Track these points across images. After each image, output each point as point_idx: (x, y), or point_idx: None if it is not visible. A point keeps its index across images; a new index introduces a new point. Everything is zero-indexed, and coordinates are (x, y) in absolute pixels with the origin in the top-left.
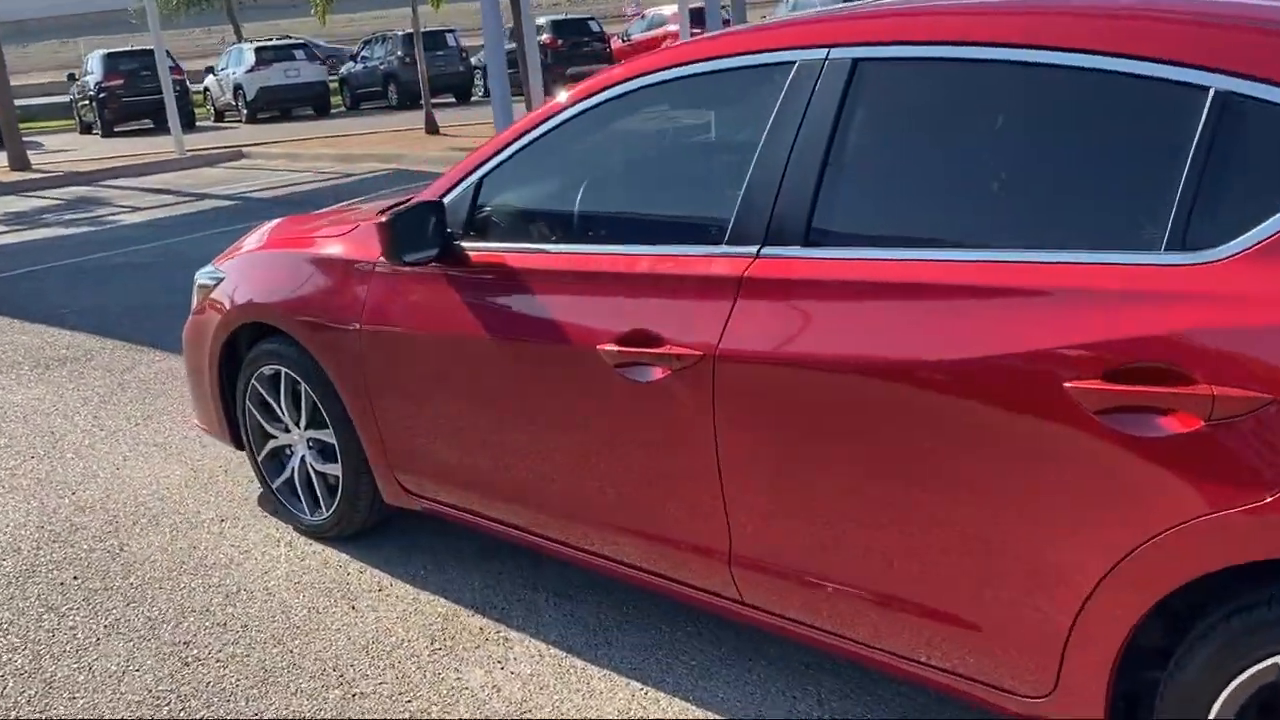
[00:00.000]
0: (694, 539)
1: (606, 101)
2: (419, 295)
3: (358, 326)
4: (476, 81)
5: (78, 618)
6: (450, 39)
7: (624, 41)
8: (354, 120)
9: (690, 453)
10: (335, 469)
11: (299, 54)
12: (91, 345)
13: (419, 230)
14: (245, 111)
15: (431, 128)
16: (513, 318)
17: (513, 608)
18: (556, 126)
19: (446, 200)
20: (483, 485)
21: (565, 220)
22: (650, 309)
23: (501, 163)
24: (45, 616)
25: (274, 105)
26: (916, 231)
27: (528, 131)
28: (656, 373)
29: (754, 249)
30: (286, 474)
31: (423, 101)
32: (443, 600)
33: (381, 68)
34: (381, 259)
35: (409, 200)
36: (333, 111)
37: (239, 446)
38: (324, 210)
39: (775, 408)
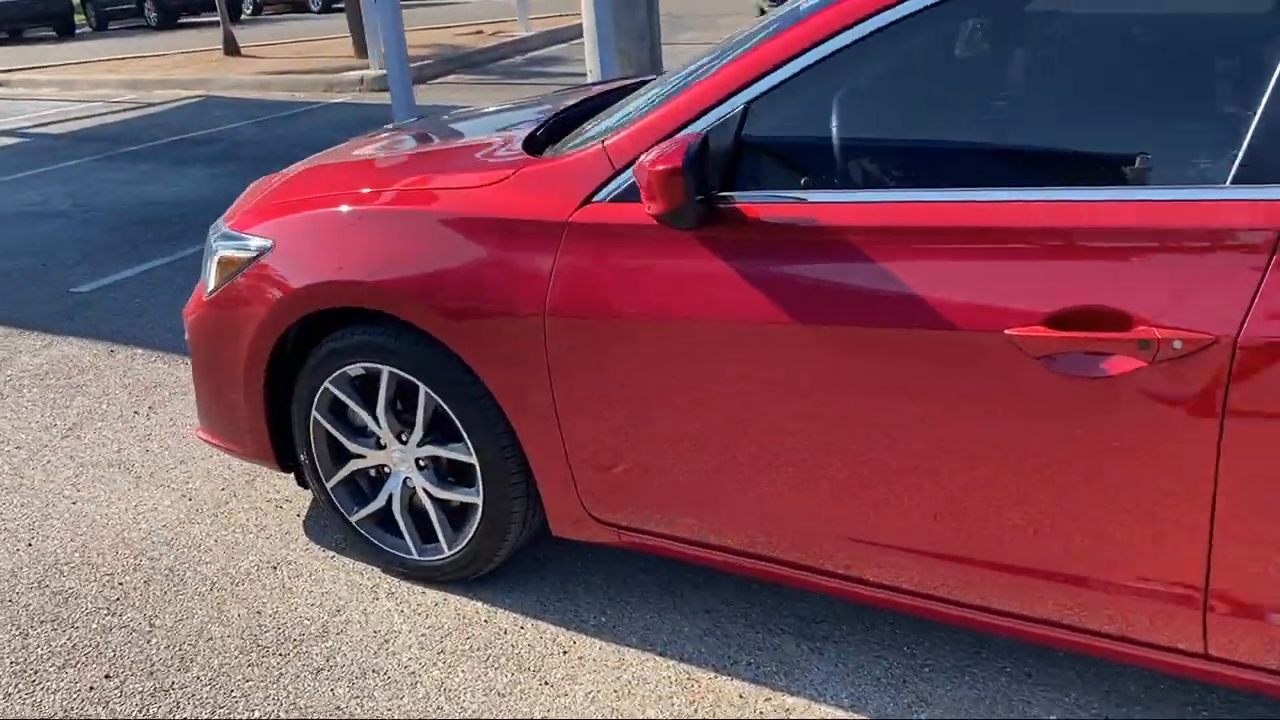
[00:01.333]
0: (1145, 577)
1: None
2: (659, 268)
3: (539, 313)
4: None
5: None
6: None
7: None
8: (108, 42)
9: (1168, 466)
10: (467, 495)
11: None
12: None
13: (697, 177)
14: None
15: (231, 48)
16: (844, 295)
17: (765, 661)
18: (895, 22)
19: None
20: (745, 512)
21: (920, 157)
22: (1106, 276)
23: (786, 80)
24: None
25: (2, 25)
26: None
27: (835, 34)
28: (1118, 364)
29: None
30: (379, 502)
31: (220, 18)
32: (665, 660)
33: None
34: (575, 220)
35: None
36: (77, 32)
37: (286, 469)
38: (346, 150)
39: None
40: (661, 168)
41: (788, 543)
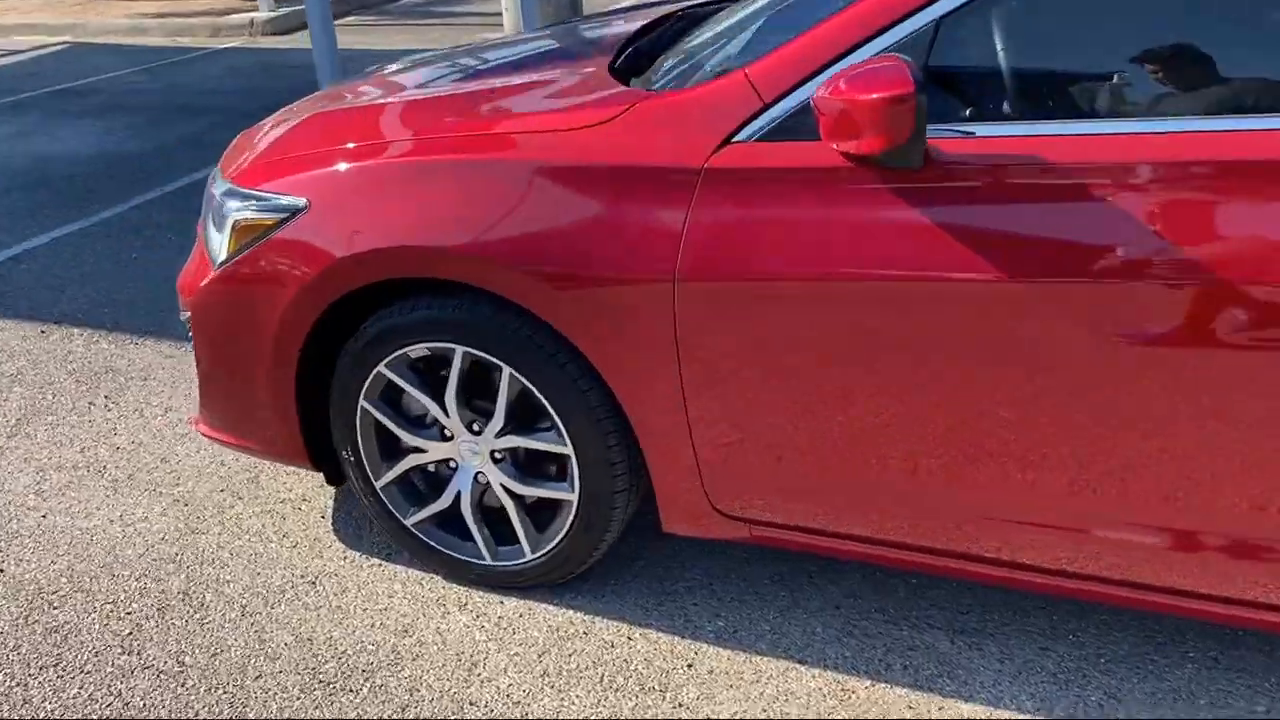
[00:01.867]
0: None
1: None
2: (829, 220)
3: (666, 277)
4: None
5: None
6: None
7: None
8: None
9: None
10: (558, 490)
11: None
12: None
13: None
14: None
15: None
16: (1087, 246)
17: (922, 662)
18: None
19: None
20: (915, 501)
21: (1184, 76)
22: None
23: None
24: None
25: None
26: None
27: None
28: None
29: None
30: (442, 502)
31: None
32: (807, 669)
33: None
34: (713, 165)
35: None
36: None
37: (319, 468)
38: (349, 93)
39: None
40: (882, 95)
41: (964, 531)
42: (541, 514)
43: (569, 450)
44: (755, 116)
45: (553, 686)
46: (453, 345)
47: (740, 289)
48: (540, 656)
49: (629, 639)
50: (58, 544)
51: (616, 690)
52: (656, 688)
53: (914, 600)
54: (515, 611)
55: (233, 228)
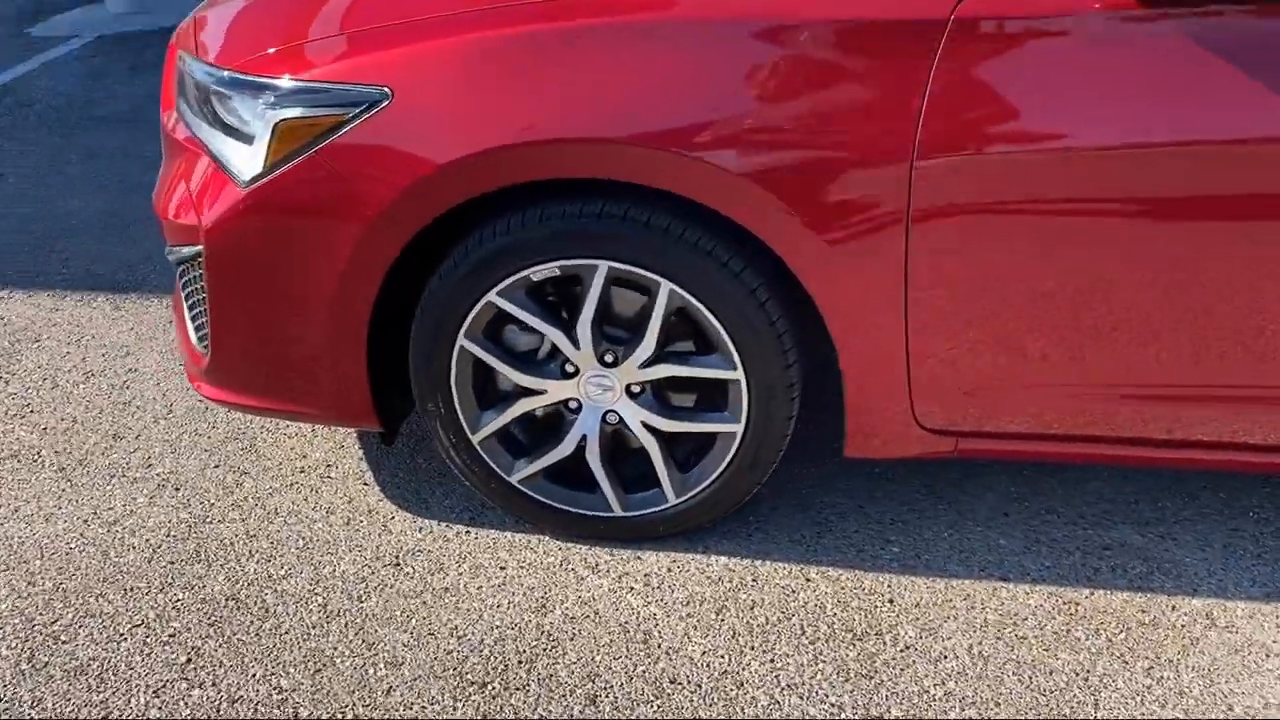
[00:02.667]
0: None
1: None
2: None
3: (903, 155)
4: None
5: None
6: None
7: None
8: None
9: None
10: (722, 423)
11: None
12: None
13: None
14: None
15: None
16: None
17: (1126, 560)
18: None
19: None
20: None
21: None
22: None
23: None
24: None
25: None
26: None
27: None
28: None
29: None
30: (562, 450)
31: None
32: (1017, 586)
33: None
34: (962, 15)
35: None
36: None
37: (386, 427)
38: None
39: None
40: None
41: (1163, 413)
42: (687, 453)
43: (739, 374)
44: None
45: (753, 648)
46: (595, 261)
47: (993, 163)
48: (718, 617)
49: (808, 580)
50: (25, 560)
51: (826, 640)
52: (869, 631)
53: (1076, 497)
54: (660, 567)
55: (277, 131)
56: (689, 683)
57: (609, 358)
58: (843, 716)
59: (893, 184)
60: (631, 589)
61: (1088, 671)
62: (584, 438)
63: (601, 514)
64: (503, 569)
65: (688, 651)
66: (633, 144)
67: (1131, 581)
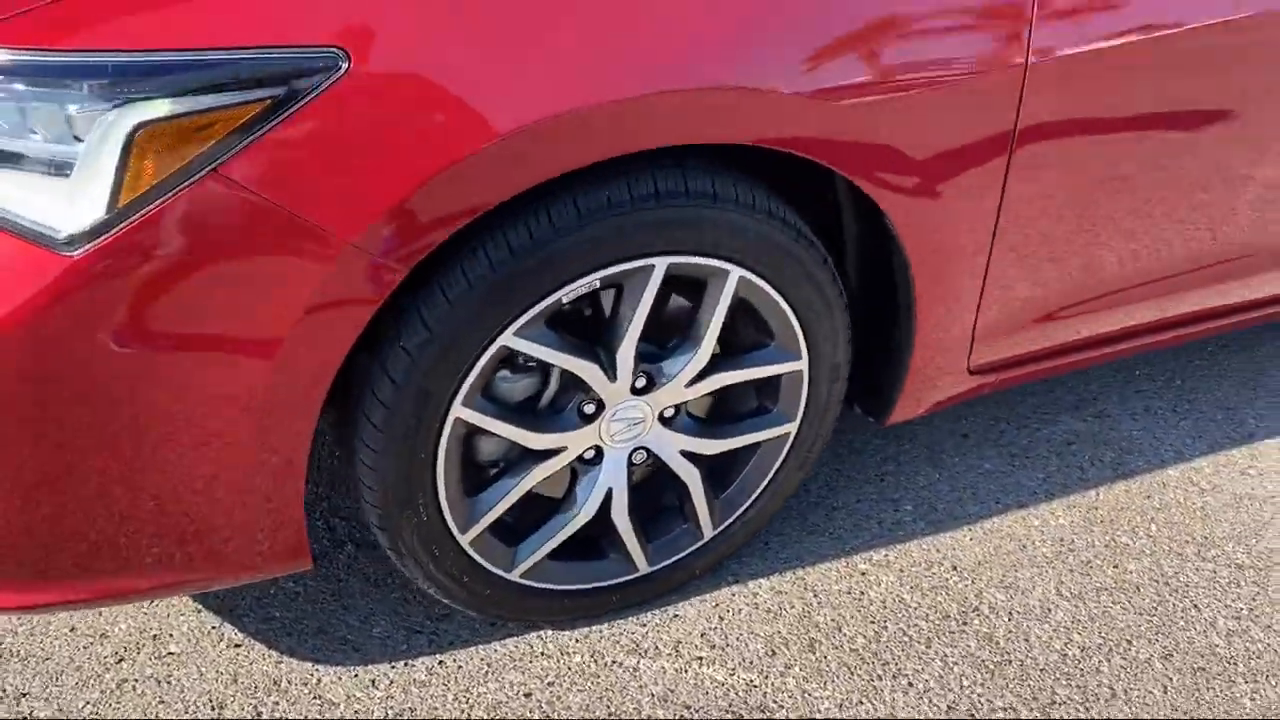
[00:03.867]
0: None
1: None
2: None
3: (1017, 64)
4: None
5: None
6: None
7: None
8: None
9: None
10: (770, 428)
11: None
12: None
13: None
14: None
15: None
16: None
17: (1125, 452)
18: None
19: None
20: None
21: None
22: None
23: None
24: None
25: None
26: None
27: None
28: None
29: None
30: (581, 517)
31: None
32: (1050, 521)
33: None
34: None
35: None
36: None
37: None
38: None
39: None
40: None
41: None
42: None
43: (803, 363)
44: None
45: (879, 676)
46: (649, 260)
47: (1114, 64)
48: (815, 652)
49: (864, 574)
50: None
51: (937, 637)
52: (963, 609)
53: (1006, 404)
54: (708, 620)
55: (126, 144)
56: None
57: (640, 382)
58: (1022, 715)
59: (1007, 94)
60: (700, 658)
61: (1164, 575)
62: (609, 492)
63: (622, 579)
64: (528, 695)
65: (818, 708)
66: (720, 90)
67: (1116, 470)
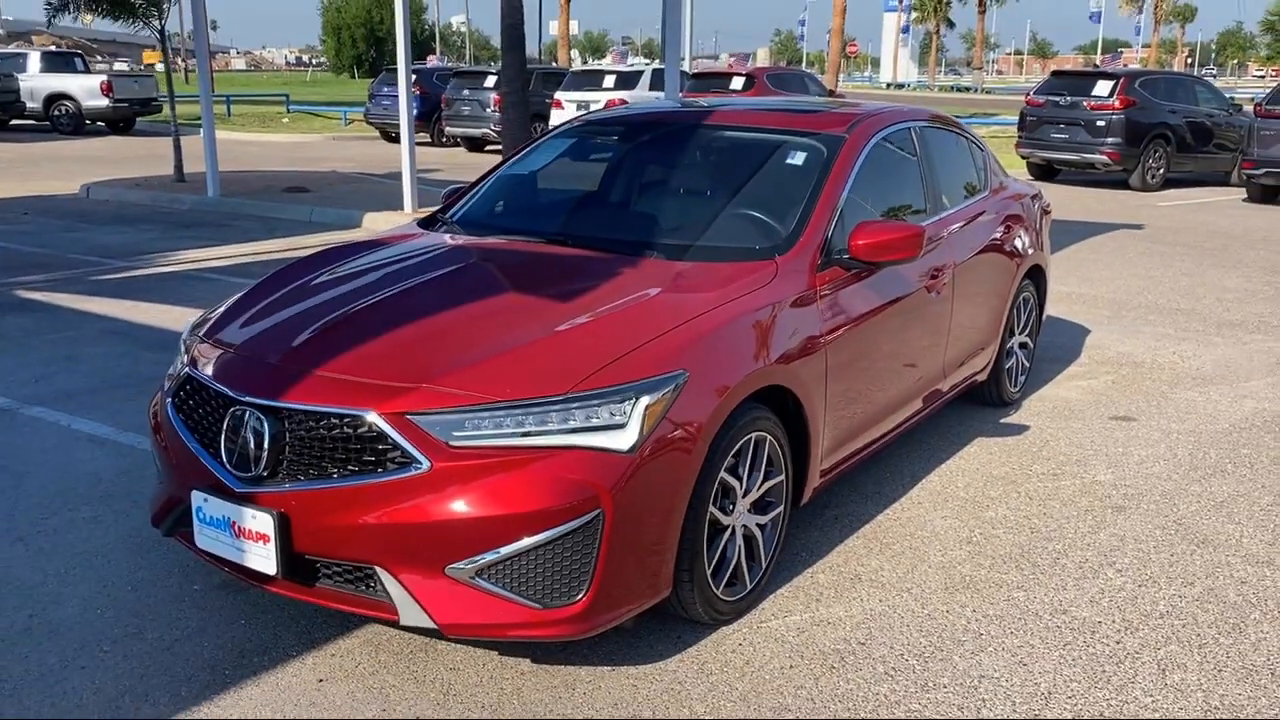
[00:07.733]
0: None
1: None
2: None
3: (822, 346)
4: None
5: None
6: None
7: None
8: None
9: None
10: (776, 508)
11: None
12: None
13: None
14: None
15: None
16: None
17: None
18: None
19: None
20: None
21: None
22: None
23: None
24: None
25: None
26: None
27: None
28: None
29: None
30: (730, 562)
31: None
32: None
33: None
34: (818, 285)
35: None
36: None
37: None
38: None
39: None
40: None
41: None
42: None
43: (785, 454)
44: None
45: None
46: (764, 434)
47: (844, 336)
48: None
49: (866, 583)
50: None
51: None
52: (990, 578)
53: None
54: (766, 656)
55: (644, 413)
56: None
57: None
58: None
59: (822, 354)
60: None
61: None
62: (738, 549)
63: (720, 601)
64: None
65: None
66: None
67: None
